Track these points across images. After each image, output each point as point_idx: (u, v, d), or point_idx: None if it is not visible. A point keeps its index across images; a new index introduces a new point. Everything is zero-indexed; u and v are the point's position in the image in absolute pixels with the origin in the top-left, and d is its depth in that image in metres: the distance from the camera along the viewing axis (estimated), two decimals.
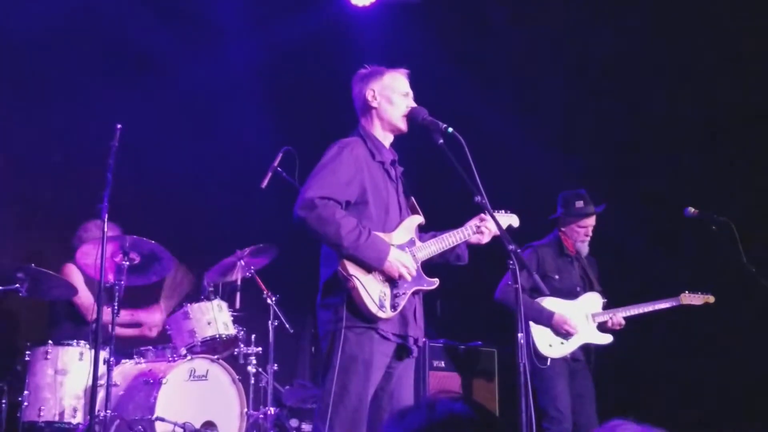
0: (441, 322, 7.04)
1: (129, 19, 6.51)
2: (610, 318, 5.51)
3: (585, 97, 7.13)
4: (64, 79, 6.25)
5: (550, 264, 5.60)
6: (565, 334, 5.37)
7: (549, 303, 5.43)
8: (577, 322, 5.40)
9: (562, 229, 5.70)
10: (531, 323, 5.39)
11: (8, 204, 6.00)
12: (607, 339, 5.52)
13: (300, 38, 7.17)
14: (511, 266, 3.41)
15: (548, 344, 5.39)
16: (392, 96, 3.79)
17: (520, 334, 3.36)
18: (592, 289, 5.65)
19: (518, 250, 3.44)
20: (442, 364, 6.37)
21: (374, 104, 3.80)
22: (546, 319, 5.38)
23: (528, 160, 7.11)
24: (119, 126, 4.82)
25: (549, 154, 6.98)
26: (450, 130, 3.62)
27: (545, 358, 5.37)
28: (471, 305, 6.77)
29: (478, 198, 3.52)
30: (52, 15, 6.09)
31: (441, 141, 3.63)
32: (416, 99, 3.87)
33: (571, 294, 5.56)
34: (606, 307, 5.59)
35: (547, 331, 5.40)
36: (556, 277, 5.57)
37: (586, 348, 5.52)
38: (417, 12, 7.37)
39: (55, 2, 6.09)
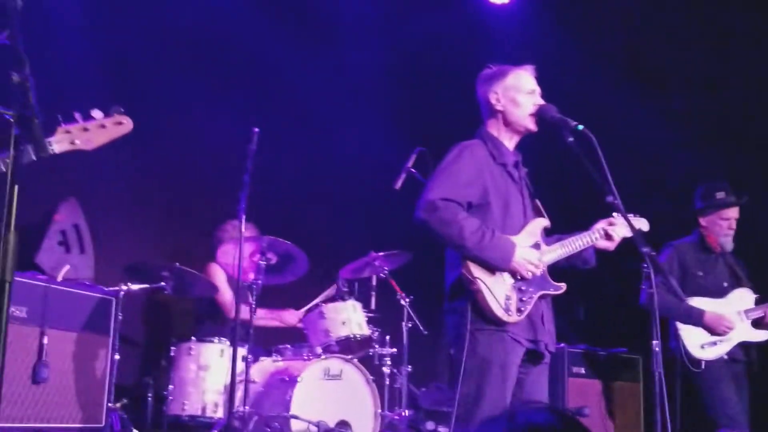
0: (583, 327, 6.83)
1: (260, 27, 6.65)
2: (766, 313, 5.18)
3: (725, 89, 6.72)
4: (204, 82, 6.48)
5: (693, 261, 5.32)
6: (722, 333, 5.08)
7: (696, 303, 5.16)
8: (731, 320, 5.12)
9: (703, 224, 5.39)
10: (680, 325, 5.14)
11: (153, 205, 6.27)
12: (764, 336, 5.19)
13: (432, 37, 7.13)
14: (645, 269, 3.25)
15: (699, 346, 5.11)
16: (517, 96, 3.66)
17: (654, 341, 3.20)
18: (740, 285, 5.31)
19: (653, 253, 3.27)
20: (582, 370, 6.17)
21: (499, 107, 3.68)
22: (696, 318, 5.10)
23: (664, 159, 6.79)
24: (256, 130, 4.95)
25: (686, 153, 6.63)
26: (580, 127, 3.47)
27: (699, 361, 5.10)
28: (615, 310, 6.53)
29: (610, 198, 3.37)
30: (186, 22, 6.31)
31: (571, 139, 3.49)
32: (552, 96, 3.73)
33: (718, 292, 5.25)
34: (759, 302, 5.25)
35: (699, 332, 5.11)
36: (701, 274, 5.29)
37: (745, 347, 5.21)
38: (557, 7, 7.18)
39: (187, 8, 6.30)
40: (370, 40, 7.15)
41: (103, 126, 2.98)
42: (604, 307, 6.71)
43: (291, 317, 5.89)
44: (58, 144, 2.90)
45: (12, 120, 2.46)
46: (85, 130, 2.95)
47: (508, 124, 3.68)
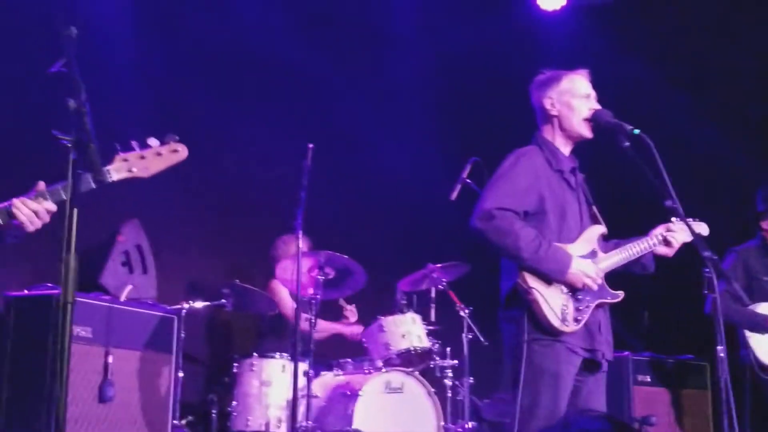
0: (648, 335, 6.70)
1: (307, 44, 6.69)
2: None
3: None
4: (256, 101, 6.56)
5: (758, 266, 5.20)
6: None
7: (763, 309, 5.03)
8: None
9: (766, 227, 5.25)
10: (749, 332, 5.00)
11: (212, 224, 6.35)
12: None
13: (481, 45, 7.09)
14: (707, 275, 3.18)
15: None
16: (572, 101, 3.62)
17: (719, 347, 3.13)
18: None
19: (715, 257, 3.20)
20: (648, 378, 6.04)
21: (554, 112, 3.65)
22: (763, 325, 4.97)
23: (723, 163, 6.63)
24: (311, 145, 4.99)
25: (746, 156, 6.47)
26: (636, 131, 3.42)
27: None
28: (680, 316, 6.39)
29: (668, 202, 3.31)
30: (234, 43, 6.39)
31: (627, 144, 3.44)
32: (605, 102, 3.68)
33: None
34: None
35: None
36: (766, 279, 5.15)
37: None
38: (609, 12, 7.09)
39: (236, 29, 6.37)
40: (418, 51, 7.15)
41: (159, 154, 3.04)
42: (669, 314, 6.57)
43: (352, 327, 5.91)
44: (116, 172, 2.96)
45: (69, 145, 2.53)
46: (142, 158, 3.02)
47: (563, 129, 3.64)
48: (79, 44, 2.58)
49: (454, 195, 5.36)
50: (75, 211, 2.53)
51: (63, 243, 2.54)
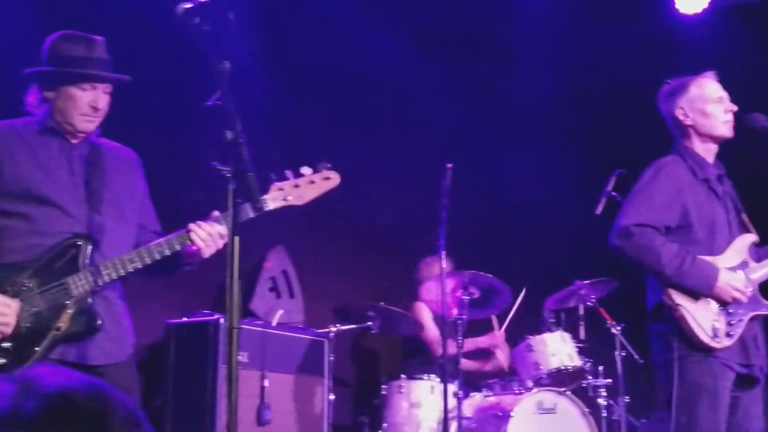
0: None
1: (436, 65, 6.68)
2: None
3: None
4: (391, 124, 6.62)
5: None
6: None
7: None
8: None
9: None
10: None
11: (355, 247, 6.42)
12: None
13: (616, 53, 6.89)
14: None
15: None
16: (705, 106, 3.49)
17: None
18: None
19: None
20: None
21: (688, 121, 3.51)
22: None
23: None
24: (449, 165, 4.98)
25: None
26: None
27: None
28: None
29: None
30: (369, 69, 6.45)
31: None
32: (748, 108, 3.52)
33: None
34: None
35: None
36: None
37: None
38: (754, 15, 6.76)
39: (366, 55, 6.44)
40: (547, 64, 7.03)
41: (312, 182, 3.13)
42: None
43: (495, 338, 5.84)
44: (272, 201, 3.05)
45: (228, 176, 2.61)
46: (296, 186, 3.11)
47: (701, 136, 3.51)
48: (232, 76, 2.66)
49: (600, 209, 5.23)
50: (236, 239, 2.61)
51: (226, 270, 2.62)
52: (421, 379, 5.34)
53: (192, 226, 2.96)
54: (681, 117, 3.53)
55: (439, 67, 6.77)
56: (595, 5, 6.94)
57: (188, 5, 2.66)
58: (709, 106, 3.49)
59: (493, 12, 6.83)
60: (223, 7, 2.66)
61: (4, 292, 2.81)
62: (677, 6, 6.97)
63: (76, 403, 1.13)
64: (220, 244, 2.99)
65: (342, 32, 6.35)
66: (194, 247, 2.97)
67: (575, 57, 7.07)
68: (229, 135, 2.61)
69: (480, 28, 6.93)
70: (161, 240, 2.98)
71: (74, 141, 3.06)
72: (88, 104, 2.98)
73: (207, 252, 2.99)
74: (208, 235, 2.96)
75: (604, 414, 5.37)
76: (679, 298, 3.25)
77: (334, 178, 3.16)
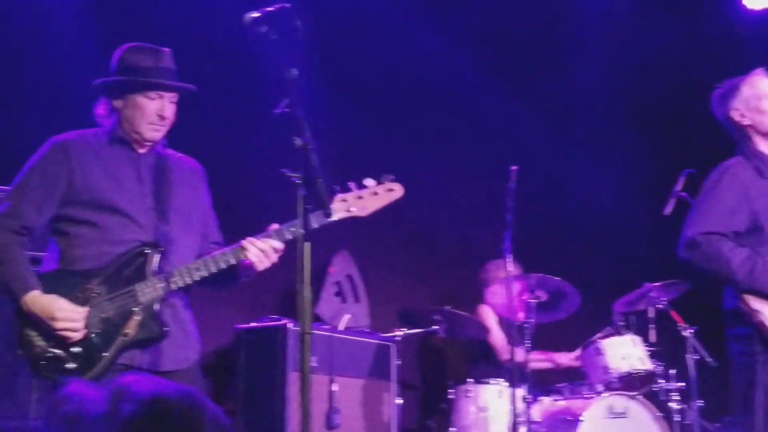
0: None
1: (490, 68, 6.62)
2: None
3: None
4: (456, 125, 6.60)
5: None
6: None
7: None
8: None
9: None
10: None
11: (419, 251, 6.42)
12: None
13: (678, 49, 6.76)
14: None
15: None
16: (760, 104, 3.44)
17: None
18: None
19: None
20: None
21: (745, 122, 3.45)
22: None
23: None
24: (514, 168, 4.94)
25: None
26: None
27: None
28: None
29: None
30: (420, 72, 6.45)
31: None
32: None
33: None
34: None
35: None
36: None
37: None
38: None
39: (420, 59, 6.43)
40: (609, 61, 6.92)
41: (375, 193, 3.15)
42: None
43: (564, 358, 5.76)
44: (336, 212, 3.07)
45: (298, 182, 2.63)
46: (360, 198, 3.13)
47: (762, 133, 3.44)
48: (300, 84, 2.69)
49: (669, 210, 5.13)
50: (307, 245, 2.63)
51: (297, 276, 2.64)
52: (489, 383, 5.30)
53: (245, 243, 3.00)
54: (738, 118, 3.48)
55: (497, 69, 6.74)
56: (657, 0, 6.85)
57: (256, 14, 2.70)
58: (764, 102, 3.44)
59: (550, 11, 6.78)
60: (291, 15, 2.68)
61: (75, 299, 2.89)
62: (744, 1, 6.83)
63: (170, 408, 1.16)
64: (274, 258, 3.04)
65: (399, 39, 6.38)
66: (248, 261, 3.02)
67: (637, 54, 6.97)
68: (298, 142, 2.63)
69: (537, 28, 6.88)
70: (217, 253, 3.03)
71: (142, 151, 3.12)
72: (155, 113, 3.05)
73: (260, 267, 3.03)
74: (261, 251, 3.00)
75: (677, 418, 5.25)
76: (756, 303, 3.19)
77: (398, 190, 3.17)
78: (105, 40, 4.17)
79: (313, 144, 2.63)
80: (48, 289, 2.88)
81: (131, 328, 2.91)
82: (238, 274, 3.12)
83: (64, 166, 3.00)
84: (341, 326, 5.28)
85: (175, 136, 3.24)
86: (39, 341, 2.86)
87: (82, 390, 1.27)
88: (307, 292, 2.60)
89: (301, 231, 2.58)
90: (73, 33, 4.96)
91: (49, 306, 2.84)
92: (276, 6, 2.71)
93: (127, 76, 3.06)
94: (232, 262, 3.01)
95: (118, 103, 3.08)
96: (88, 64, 4.32)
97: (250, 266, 3.04)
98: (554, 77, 6.86)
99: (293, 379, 4.42)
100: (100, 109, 3.15)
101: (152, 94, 3.04)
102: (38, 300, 2.85)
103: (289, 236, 3.05)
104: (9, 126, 4.73)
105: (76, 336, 2.84)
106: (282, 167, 2.64)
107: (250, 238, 3.02)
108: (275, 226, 3.05)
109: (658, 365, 5.31)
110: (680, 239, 3.33)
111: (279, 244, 3.03)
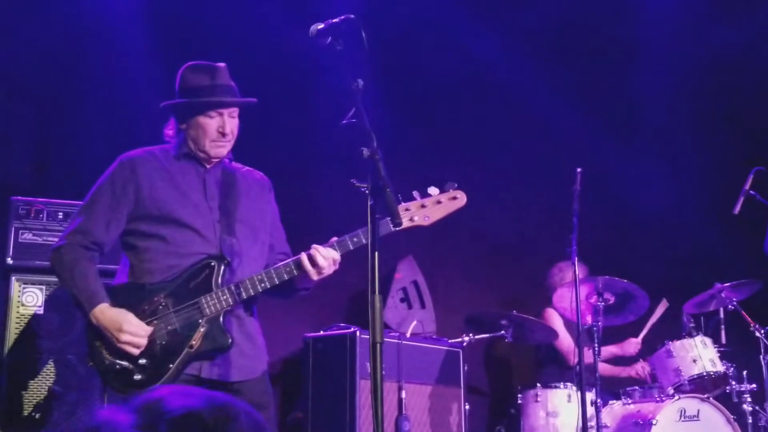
0: None
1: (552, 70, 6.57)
2: None
3: None
4: (515, 124, 6.58)
5: None
6: None
7: None
8: None
9: None
10: None
11: (485, 255, 6.41)
12: None
13: (742, 46, 6.62)
14: None
15: None
16: None
17: None
18: None
19: None
20: None
21: None
22: None
23: None
24: (579, 170, 4.90)
25: None
26: None
27: None
28: None
29: None
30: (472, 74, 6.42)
31: None
32: None
33: None
34: None
35: None
36: None
37: None
38: None
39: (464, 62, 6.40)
40: (673, 59, 6.82)
41: (439, 202, 3.13)
42: None
43: (631, 346, 5.70)
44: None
45: (367, 192, 2.65)
46: (423, 206, 3.12)
47: None
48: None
49: (738, 208, 5.05)
50: (376, 254, 2.64)
51: (368, 285, 2.65)
52: (557, 387, 5.26)
53: (303, 256, 3.03)
54: None
55: (560, 71, 6.70)
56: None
57: (321, 26, 2.74)
58: None
59: (613, 11, 6.70)
60: (356, 26, 2.71)
61: (143, 311, 2.96)
62: None
63: (204, 421, 1.18)
64: (331, 270, 3.06)
65: (458, 46, 6.38)
66: (306, 272, 3.05)
67: (701, 54, 6.85)
68: (365, 152, 2.65)
69: (601, 30, 6.80)
70: (280, 264, 3.07)
71: (208, 166, 3.19)
72: (217, 130, 3.11)
73: (316, 278, 3.06)
74: (324, 258, 3.03)
75: (750, 420, 5.16)
76: None
77: (461, 198, 3.15)
78: (169, 56, 4.28)
79: (380, 153, 2.65)
80: (117, 302, 2.96)
81: (197, 340, 2.96)
82: (296, 286, 3.16)
83: (131, 182, 3.09)
84: (408, 333, 5.30)
85: (242, 150, 3.30)
86: (107, 354, 2.94)
87: (112, 416, 1.27)
88: (377, 301, 2.62)
89: (369, 240, 2.60)
90: (139, 51, 5.08)
91: (117, 319, 2.92)
92: (340, 18, 2.75)
93: (186, 97, 3.14)
94: (296, 272, 3.05)
95: (183, 125, 3.16)
96: (156, 82, 4.43)
97: (307, 278, 3.08)
98: (618, 78, 6.79)
99: (363, 386, 4.45)
100: (169, 129, 3.23)
101: (212, 112, 3.11)
102: (107, 312, 2.93)
103: (351, 246, 3.08)
104: (80, 144, 4.87)
105: (135, 352, 2.91)
106: (349, 178, 2.67)
107: (315, 245, 3.06)
108: (335, 239, 3.09)
109: (730, 367, 5.22)
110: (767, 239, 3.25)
111: (337, 256, 3.06)
